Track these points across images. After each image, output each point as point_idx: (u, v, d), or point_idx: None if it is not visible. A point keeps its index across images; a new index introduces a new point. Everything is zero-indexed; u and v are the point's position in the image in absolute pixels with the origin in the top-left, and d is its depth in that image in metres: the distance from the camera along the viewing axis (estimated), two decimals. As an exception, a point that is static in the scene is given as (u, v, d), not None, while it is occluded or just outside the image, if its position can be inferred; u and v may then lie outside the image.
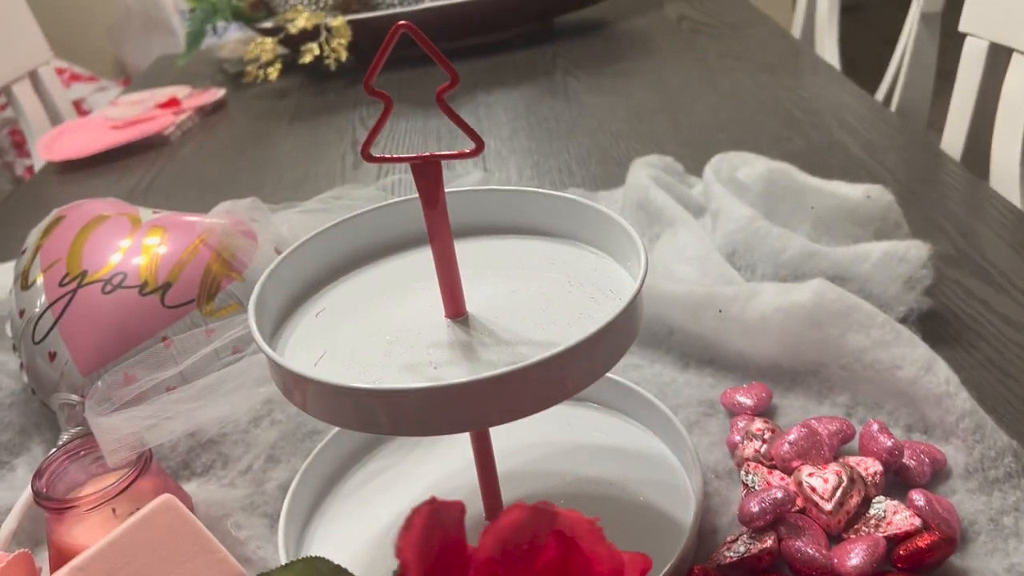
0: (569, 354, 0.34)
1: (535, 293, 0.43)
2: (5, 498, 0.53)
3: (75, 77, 2.33)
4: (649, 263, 0.43)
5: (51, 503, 0.45)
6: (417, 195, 0.47)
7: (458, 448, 0.53)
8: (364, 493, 0.51)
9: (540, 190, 0.46)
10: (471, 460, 0.47)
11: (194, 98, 1.30)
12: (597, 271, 0.43)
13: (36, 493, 0.45)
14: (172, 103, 1.27)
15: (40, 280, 0.57)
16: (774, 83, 1.07)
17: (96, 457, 0.49)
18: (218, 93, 1.31)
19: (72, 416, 0.54)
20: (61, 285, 0.56)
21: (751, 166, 0.68)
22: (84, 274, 0.57)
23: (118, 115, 1.25)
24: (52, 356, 0.55)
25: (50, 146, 1.17)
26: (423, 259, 0.47)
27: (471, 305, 0.42)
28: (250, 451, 0.54)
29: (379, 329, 0.41)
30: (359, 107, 1.22)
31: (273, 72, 1.31)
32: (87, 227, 0.60)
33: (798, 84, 1.06)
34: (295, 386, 0.36)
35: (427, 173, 0.38)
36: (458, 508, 0.26)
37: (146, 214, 0.62)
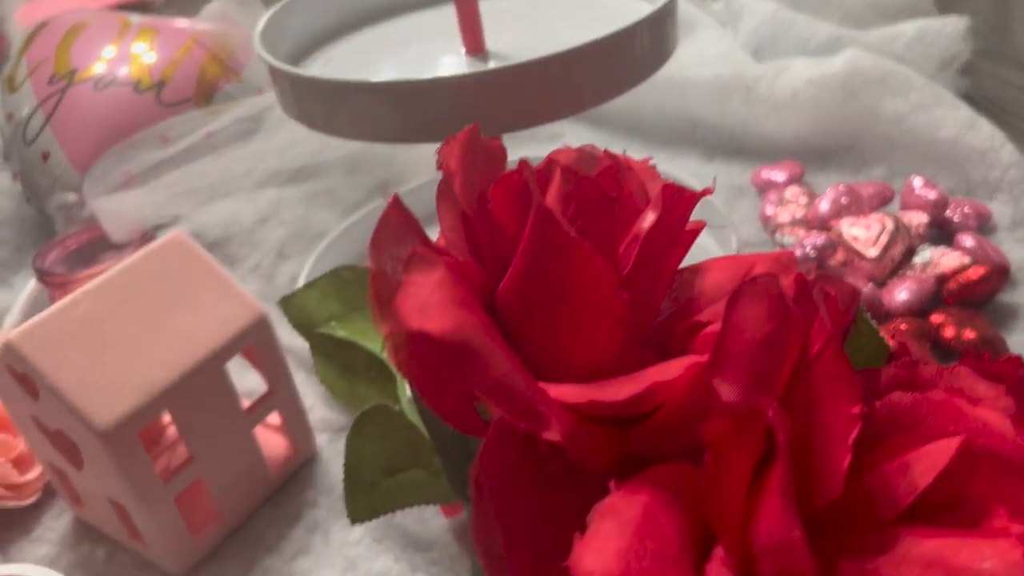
0: (583, 53, 0.31)
1: (563, 33, 0.40)
2: (5, 300, 0.51)
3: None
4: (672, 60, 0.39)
5: (55, 277, 0.43)
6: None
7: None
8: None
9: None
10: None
11: (178, -33, 1.24)
12: (638, 11, 0.40)
13: (38, 270, 0.43)
14: (155, -29, 1.21)
15: (28, 82, 0.54)
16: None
17: (96, 249, 0.47)
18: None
19: (71, 218, 0.52)
20: (50, 84, 0.53)
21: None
22: (73, 73, 0.53)
23: (99, -15, 1.19)
24: (46, 157, 0.52)
25: (29, 14, 1.12)
26: (436, 16, 0.44)
27: (492, 46, 0.39)
28: (257, 250, 0.52)
29: (393, 71, 0.39)
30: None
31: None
32: (74, 29, 0.56)
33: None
34: (293, 91, 0.34)
35: None
36: (499, 147, 0.24)
37: (136, 17, 0.58)
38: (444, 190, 0.21)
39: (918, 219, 0.42)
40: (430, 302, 0.17)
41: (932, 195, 0.43)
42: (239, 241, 0.52)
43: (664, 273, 0.22)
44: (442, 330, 0.16)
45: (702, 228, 0.24)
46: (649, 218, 0.20)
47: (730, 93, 0.52)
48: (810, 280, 0.19)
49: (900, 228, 0.41)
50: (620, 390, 0.17)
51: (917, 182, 0.44)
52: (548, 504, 0.17)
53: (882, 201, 0.45)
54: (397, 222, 0.19)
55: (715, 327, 0.20)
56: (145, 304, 0.33)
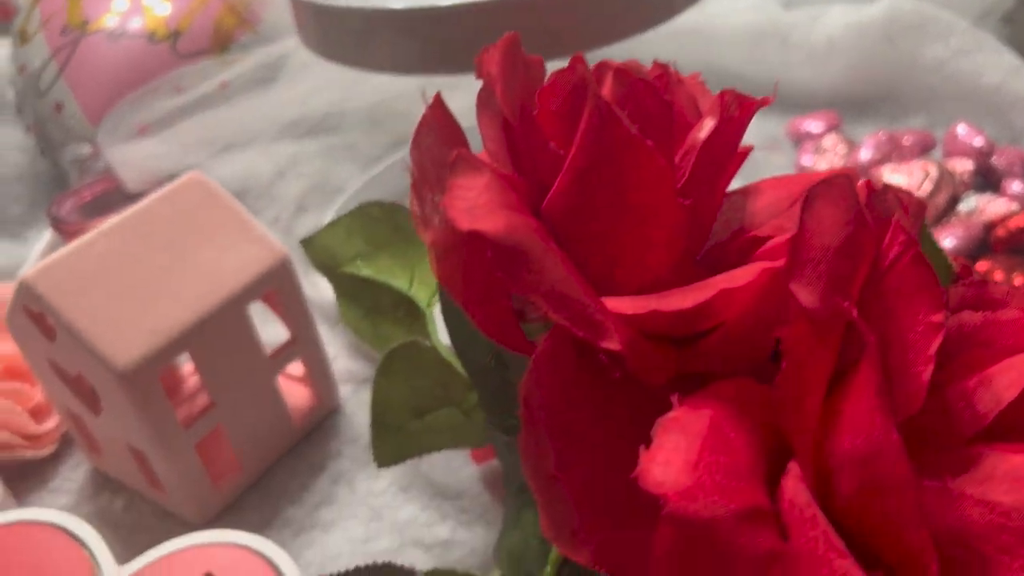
0: None
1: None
2: (13, 254, 0.50)
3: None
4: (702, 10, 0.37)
5: (70, 226, 0.42)
6: None
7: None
8: (402, 235, 0.48)
9: None
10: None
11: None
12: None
13: (53, 218, 0.42)
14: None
15: (40, 33, 0.53)
16: None
17: (112, 199, 0.46)
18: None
19: (85, 169, 0.51)
20: (63, 34, 0.52)
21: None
22: (86, 23, 0.52)
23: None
24: (59, 108, 0.51)
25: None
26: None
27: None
28: (275, 204, 0.50)
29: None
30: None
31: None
32: (87, -22, 0.55)
33: None
34: (317, 23, 0.32)
35: None
36: (538, 61, 0.23)
37: (149, -32, 0.57)
38: (485, 98, 0.20)
39: (963, 166, 0.40)
40: (478, 203, 0.16)
41: (978, 142, 0.41)
42: (256, 194, 0.51)
43: (719, 190, 0.21)
44: (495, 230, 0.15)
45: (751, 150, 0.23)
46: (708, 125, 0.19)
47: (764, 42, 0.50)
48: (879, 189, 0.18)
49: (944, 175, 0.39)
50: (685, 299, 0.16)
51: (961, 129, 0.42)
52: (603, 420, 0.16)
53: (924, 149, 0.43)
54: (439, 124, 0.18)
55: (777, 240, 0.18)
56: (164, 244, 0.32)
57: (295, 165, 0.52)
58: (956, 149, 0.42)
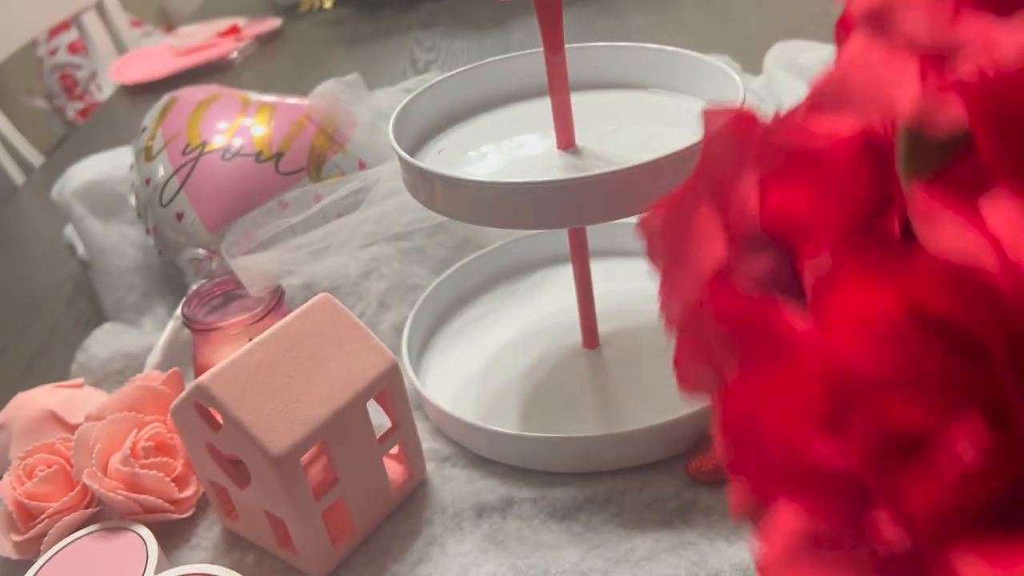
0: (669, 160, 0.39)
1: (639, 130, 0.47)
2: (141, 342, 0.59)
3: (119, 24, 2.37)
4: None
5: (200, 324, 0.50)
6: (528, 52, 0.52)
7: (555, 292, 0.58)
8: (471, 331, 0.56)
9: (644, 44, 0.50)
10: (568, 304, 0.52)
11: (253, 27, 1.34)
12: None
13: (186, 317, 0.51)
14: (232, 31, 1.31)
15: (164, 151, 0.63)
16: (822, -4, 1.10)
17: (228, 299, 0.55)
18: (275, 22, 1.36)
19: (200, 269, 0.60)
20: (184, 154, 0.62)
21: (814, 51, 0.72)
22: (204, 144, 0.62)
23: (180, 43, 1.29)
24: (179, 217, 0.61)
25: (121, 70, 1.23)
26: (534, 108, 0.51)
27: (580, 142, 0.46)
28: (362, 300, 0.59)
29: (498, 161, 0.46)
30: (413, 31, 1.26)
31: (328, 0, 1.35)
32: (203, 104, 0.65)
33: (845, -2, 1.09)
34: (433, 187, 0.41)
35: (548, 5, 0.42)
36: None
37: (253, 95, 0.67)
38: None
39: None
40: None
41: None
42: (345, 292, 0.60)
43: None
44: None
45: None
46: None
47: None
48: None
49: None
50: None
51: None
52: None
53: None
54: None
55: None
56: (304, 353, 0.41)
57: (377, 267, 0.61)
58: None
